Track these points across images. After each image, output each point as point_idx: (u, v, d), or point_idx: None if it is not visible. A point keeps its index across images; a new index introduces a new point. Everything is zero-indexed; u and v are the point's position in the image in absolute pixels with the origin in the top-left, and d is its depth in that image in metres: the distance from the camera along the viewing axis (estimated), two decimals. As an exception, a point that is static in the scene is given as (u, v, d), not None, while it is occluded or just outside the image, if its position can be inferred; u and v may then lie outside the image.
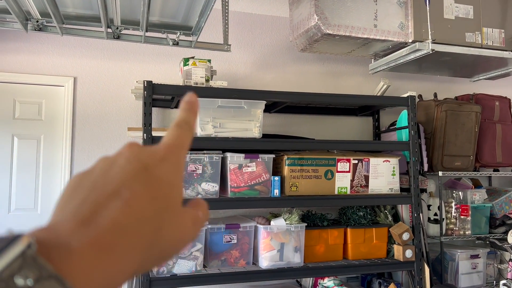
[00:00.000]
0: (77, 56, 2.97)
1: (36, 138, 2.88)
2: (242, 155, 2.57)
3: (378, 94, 3.23)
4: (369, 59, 3.50)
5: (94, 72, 2.99)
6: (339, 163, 2.74)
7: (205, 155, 2.53)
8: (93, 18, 2.41)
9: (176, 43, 2.60)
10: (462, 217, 3.18)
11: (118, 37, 2.52)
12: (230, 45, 2.69)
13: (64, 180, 2.86)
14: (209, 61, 2.66)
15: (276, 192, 2.60)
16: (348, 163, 2.76)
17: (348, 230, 2.79)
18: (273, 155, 2.65)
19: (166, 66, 3.14)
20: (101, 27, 2.43)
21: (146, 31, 2.48)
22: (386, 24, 2.76)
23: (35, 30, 2.38)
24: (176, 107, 3.02)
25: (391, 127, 3.27)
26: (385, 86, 3.19)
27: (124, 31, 2.53)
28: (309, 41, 2.82)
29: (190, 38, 2.67)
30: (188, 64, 2.61)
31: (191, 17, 2.42)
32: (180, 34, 2.58)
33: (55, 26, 2.37)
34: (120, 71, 3.04)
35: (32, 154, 2.87)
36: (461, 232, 3.18)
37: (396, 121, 3.24)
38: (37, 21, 2.36)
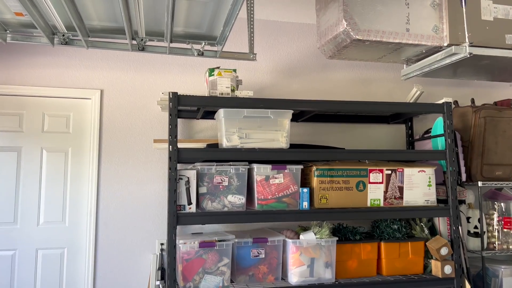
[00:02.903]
0: (103, 69, 2.98)
1: (64, 151, 2.90)
2: (269, 166, 2.49)
3: (411, 101, 3.09)
4: (400, 65, 3.36)
5: (120, 85, 2.99)
6: (371, 174, 2.62)
7: (231, 166, 2.46)
8: (118, 30, 2.41)
9: (201, 53, 2.56)
10: (505, 230, 2.99)
11: (143, 48, 2.50)
12: (255, 54, 2.63)
13: (91, 192, 2.85)
14: (235, 70, 2.60)
15: (305, 204, 2.50)
16: (381, 174, 2.63)
17: (382, 244, 2.65)
18: (301, 166, 2.56)
19: (192, 77, 3.11)
20: (126, 39, 2.42)
21: (171, 42, 2.45)
22: (419, 28, 2.63)
23: (61, 44, 2.39)
24: (202, 118, 2.98)
25: (425, 135, 3.11)
26: (418, 92, 3.05)
27: (148, 43, 2.51)
28: (338, 47, 2.72)
29: (215, 48, 2.63)
30: (213, 74, 2.57)
31: (216, 27, 2.38)
32: (205, 44, 2.54)
33: (81, 40, 2.37)
34: (146, 83, 3.03)
35: (60, 167, 2.88)
36: (505, 246, 2.98)
37: (430, 128, 3.08)
38: (63, 35, 2.37)
